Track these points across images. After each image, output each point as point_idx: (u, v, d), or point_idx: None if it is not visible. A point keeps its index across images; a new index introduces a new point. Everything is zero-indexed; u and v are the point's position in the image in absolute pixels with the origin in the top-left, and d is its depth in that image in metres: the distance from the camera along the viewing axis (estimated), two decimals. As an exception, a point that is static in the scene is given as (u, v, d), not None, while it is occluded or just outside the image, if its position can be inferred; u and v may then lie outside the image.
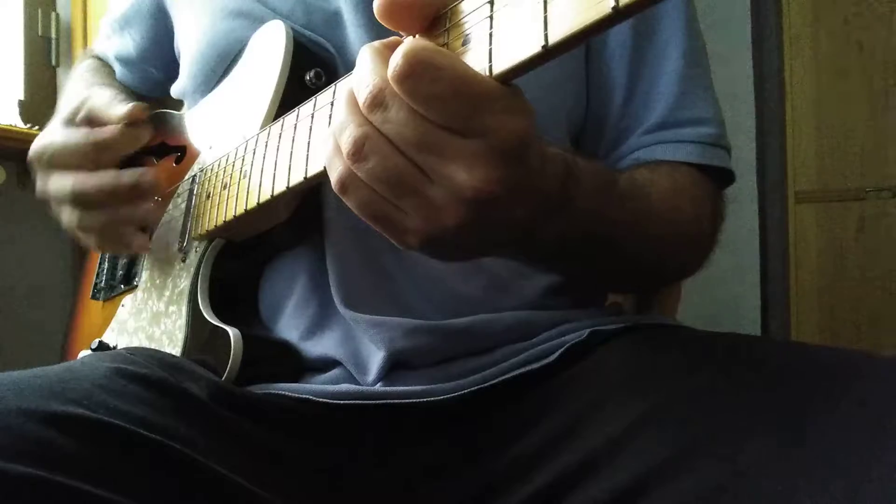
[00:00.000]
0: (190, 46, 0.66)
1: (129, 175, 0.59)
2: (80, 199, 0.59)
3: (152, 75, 0.81)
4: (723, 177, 0.59)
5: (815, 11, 2.22)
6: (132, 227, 0.61)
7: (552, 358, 0.51)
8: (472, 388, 0.50)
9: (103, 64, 0.86)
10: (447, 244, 0.37)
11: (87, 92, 0.68)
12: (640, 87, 0.58)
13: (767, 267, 2.30)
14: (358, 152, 0.35)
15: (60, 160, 0.59)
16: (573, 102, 0.58)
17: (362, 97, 0.34)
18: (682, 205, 0.54)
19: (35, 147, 0.61)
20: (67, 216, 0.60)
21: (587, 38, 0.29)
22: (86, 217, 0.60)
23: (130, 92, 0.83)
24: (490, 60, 0.32)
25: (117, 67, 0.83)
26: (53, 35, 1.76)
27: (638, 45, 0.58)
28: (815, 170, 2.23)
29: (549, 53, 0.30)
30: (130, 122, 0.58)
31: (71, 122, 0.60)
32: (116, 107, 0.59)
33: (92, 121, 0.60)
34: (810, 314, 2.22)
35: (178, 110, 0.79)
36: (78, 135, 0.58)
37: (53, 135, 0.60)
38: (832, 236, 2.20)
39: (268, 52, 0.56)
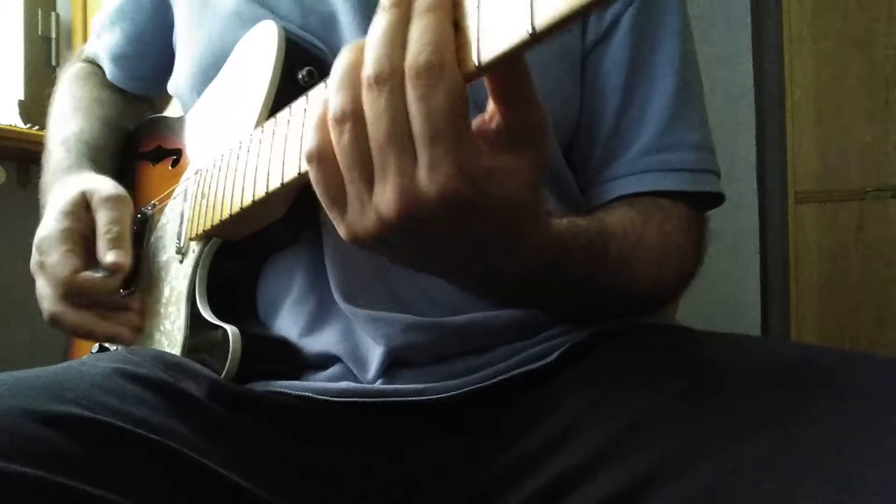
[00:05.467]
0: (188, 45, 0.66)
1: (106, 329, 0.62)
2: (57, 324, 0.61)
3: (144, 72, 0.80)
4: (711, 199, 0.60)
5: (815, 11, 2.23)
6: None
7: (551, 359, 0.51)
8: (472, 387, 0.50)
9: (93, 70, 0.84)
10: (375, 249, 0.39)
11: (80, 131, 0.73)
12: (633, 106, 0.58)
13: (767, 267, 2.30)
14: (342, 120, 0.35)
15: (47, 271, 0.61)
16: (562, 106, 0.58)
17: (368, 70, 0.34)
18: (668, 265, 0.55)
19: (38, 235, 0.63)
20: (47, 316, 0.62)
21: (574, 22, 0.29)
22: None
23: (122, 93, 0.82)
24: (478, 47, 0.32)
25: (108, 66, 0.82)
26: (53, 35, 1.77)
27: (635, 64, 0.58)
28: (815, 170, 2.23)
29: (536, 39, 0.30)
30: (113, 270, 0.59)
31: (66, 238, 0.61)
32: (104, 246, 0.60)
33: (89, 223, 0.62)
34: (810, 314, 2.22)
35: (167, 108, 0.79)
36: (67, 264, 0.59)
37: (51, 239, 0.61)
38: (832, 236, 2.20)
39: (260, 51, 0.56)
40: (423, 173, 0.34)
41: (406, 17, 0.34)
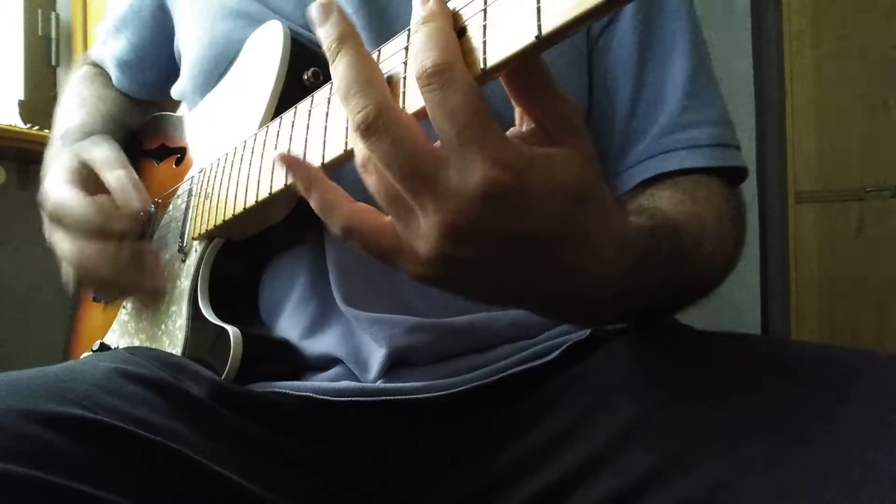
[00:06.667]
0: (191, 47, 0.66)
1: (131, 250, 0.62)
2: (86, 274, 0.61)
3: (148, 78, 0.81)
4: (736, 174, 0.58)
5: (815, 11, 2.22)
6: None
7: (552, 356, 0.51)
8: (472, 385, 0.50)
9: (99, 72, 0.85)
10: (446, 281, 0.36)
11: (81, 122, 0.74)
12: (646, 89, 0.57)
13: (767, 267, 2.30)
14: (363, 165, 0.35)
15: (70, 224, 0.61)
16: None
17: (352, 124, 0.34)
18: (728, 238, 0.52)
19: (50, 202, 0.63)
20: (73, 272, 0.63)
21: (582, 26, 0.29)
22: (94, 282, 0.63)
23: (127, 96, 0.83)
24: (484, 52, 0.32)
25: (114, 72, 0.83)
26: (53, 35, 1.76)
27: (644, 45, 0.57)
28: (815, 170, 2.23)
29: (542, 44, 0.29)
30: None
31: (74, 183, 0.63)
32: (110, 172, 0.63)
33: (95, 185, 0.63)
34: (810, 314, 2.22)
35: (175, 110, 0.79)
36: (84, 203, 0.60)
37: (62, 195, 0.62)
38: (832, 236, 2.20)
39: (266, 52, 0.56)
40: (457, 178, 0.32)
41: (362, 51, 0.34)
